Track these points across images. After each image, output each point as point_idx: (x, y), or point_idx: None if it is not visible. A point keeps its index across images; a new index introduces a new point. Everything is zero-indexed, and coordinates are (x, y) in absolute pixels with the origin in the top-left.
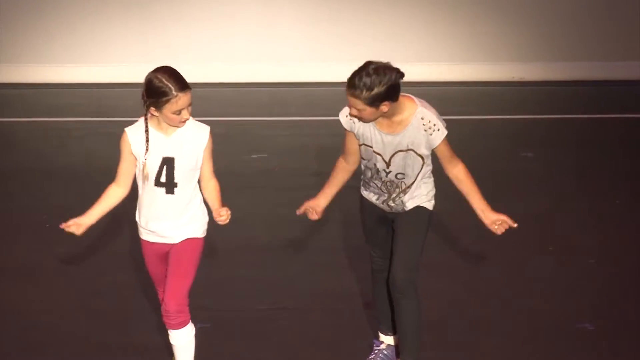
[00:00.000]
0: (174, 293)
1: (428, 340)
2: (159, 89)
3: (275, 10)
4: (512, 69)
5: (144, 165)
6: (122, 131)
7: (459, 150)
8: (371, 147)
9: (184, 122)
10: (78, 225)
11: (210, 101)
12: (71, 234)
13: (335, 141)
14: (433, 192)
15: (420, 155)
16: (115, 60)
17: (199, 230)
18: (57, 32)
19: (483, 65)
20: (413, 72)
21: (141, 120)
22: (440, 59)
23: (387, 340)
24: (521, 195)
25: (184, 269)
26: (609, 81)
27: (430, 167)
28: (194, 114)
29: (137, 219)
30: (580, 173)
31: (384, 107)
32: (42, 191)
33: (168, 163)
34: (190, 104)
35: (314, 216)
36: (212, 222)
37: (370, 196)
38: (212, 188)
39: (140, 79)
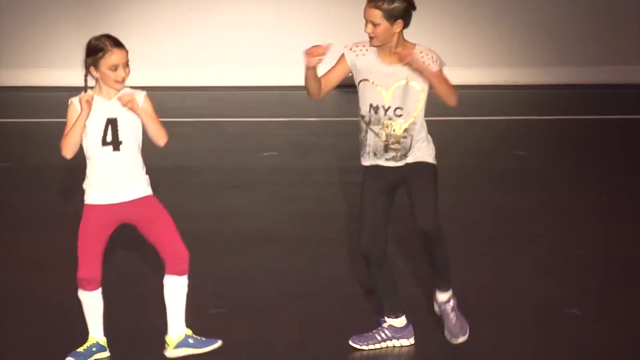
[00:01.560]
0: (179, 241)
1: (420, 324)
2: (96, 46)
3: (285, 20)
4: (505, 73)
5: (93, 122)
6: (69, 102)
7: (457, 147)
8: (370, 80)
9: (121, 81)
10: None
11: (225, 103)
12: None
13: (340, 140)
14: (434, 152)
15: (420, 91)
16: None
17: (148, 188)
18: (77, 39)
19: (478, 70)
20: None
21: (82, 93)
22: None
23: (393, 322)
24: (514, 190)
25: (168, 218)
26: (596, 85)
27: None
28: (209, 114)
29: (85, 186)
30: (568, 170)
31: (397, 26)
32: (68, 186)
33: (112, 123)
34: (127, 65)
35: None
36: (217, 222)
37: (375, 159)
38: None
39: (155, 83)
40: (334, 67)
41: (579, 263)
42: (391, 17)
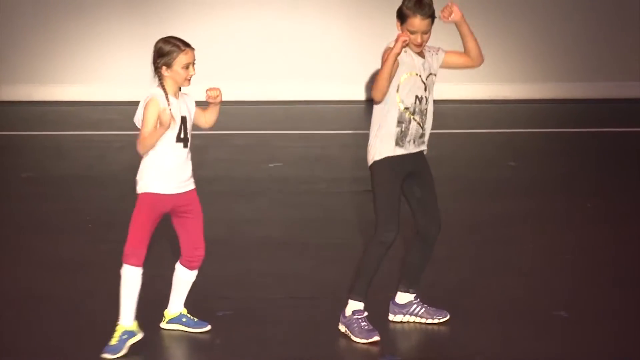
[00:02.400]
0: (201, 241)
1: (414, 322)
2: (169, 48)
3: (291, 39)
4: (498, 89)
5: (172, 114)
6: (149, 96)
7: (452, 158)
8: (414, 72)
9: (190, 80)
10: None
11: (233, 117)
12: None
13: (341, 151)
14: None
15: (435, 76)
16: (144, 82)
17: (193, 182)
18: (94, 57)
19: (473, 86)
20: None
21: (155, 88)
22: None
23: (362, 305)
24: (505, 198)
25: (200, 220)
26: (581, 100)
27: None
28: (220, 128)
29: (148, 176)
30: (557, 180)
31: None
32: (86, 195)
33: (184, 121)
34: (194, 63)
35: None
36: (226, 228)
37: (408, 147)
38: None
39: None
40: (387, 61)
41: (567, 267)
42: (433, 20)
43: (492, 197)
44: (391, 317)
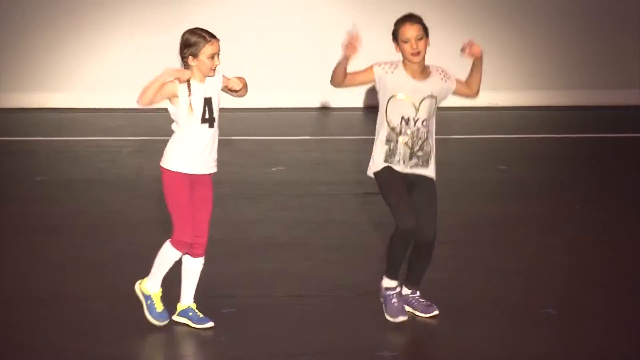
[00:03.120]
0: (207, 227)
1: (410, 320)
2: (195, 39)
3: (291, 50)
4: (489, 96)
5: (190, 104)
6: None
7: (447, 162)
8: (402, 95)
9: (215, 69)
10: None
11: (238, 123)
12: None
13: (341, 156)
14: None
15: (437, 103)
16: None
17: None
18: (107, 66)
19: None
20: None
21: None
22: None
23: (396, 283)
24: (496, 202)
25: (211, 206)
26: (570, 107)
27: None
28: (225, 133)
29: (174, 156)
30: (546, 183)
31: (428, 41)
32: (97, 198)
33: (208, 103)
34: (219, 53)
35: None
36: (231, 229)
37: (396, 165)
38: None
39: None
40: (361, 71)
41: (555, 266)
42: (426, 32)
43: (484, 199)
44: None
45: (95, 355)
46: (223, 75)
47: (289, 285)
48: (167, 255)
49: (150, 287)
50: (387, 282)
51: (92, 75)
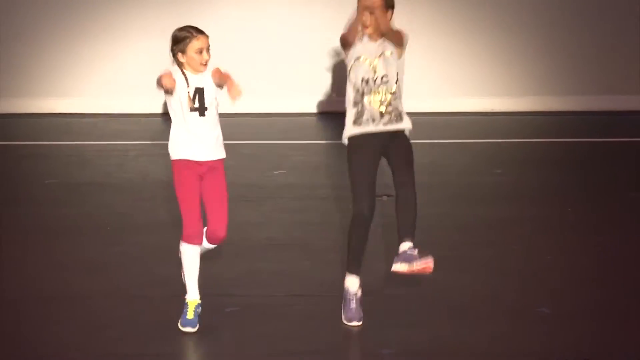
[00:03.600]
0: (224, 221)
1: (407, 318)
2: (182, 35)
3: (292, 57)
4: (485, 102)
5: (188, 94)
6: (167, 70)
7: (443, 165)
8: (362, 57)
9: (205, 64)
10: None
11: (241, 128)
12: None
13: (340, 160)
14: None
15: (395, 59)
16: (161, 95)
17: (224, 151)
18: (114, 72)
19: (462, 99)
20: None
21: (174, 67)
22: (426, 94)
23: (357, 282)
24: (492, 204)
25: (225, 194)
26: (563, 112)
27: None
28: (228, 138)
29: (172, 145)
30: (539, 186)
31: (389, 14)
32: (104, 200)
33: (199, 92)
34: (208, 48)
35: None
36: (233, 231)
37: (366, 125)
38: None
39: None
40: (354, 24)
41: (549, 267)
42: (388, 3)
43: (479, 202)
44: (393, 267)
45: (100, 353)
46: (213, 71)
47: (290, 285)
48: (184, 254)
49: (187, 294)
50: (347, 281)
51: (100, 82)
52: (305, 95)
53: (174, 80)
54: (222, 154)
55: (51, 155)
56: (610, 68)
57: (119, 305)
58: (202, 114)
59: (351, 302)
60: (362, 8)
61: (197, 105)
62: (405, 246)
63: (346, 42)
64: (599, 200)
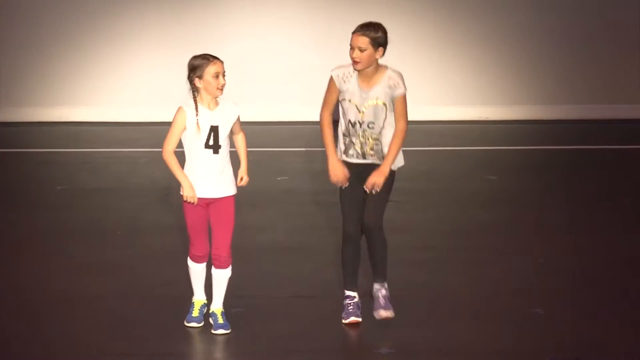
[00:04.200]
0: (225, 243)
1: (406, 319)
2: (199, 61)
3: (295, 67)
4: (479, 110)
5: (200, 129)
6: (178, 107)
7: (439, 172)
8: (351, 101)
9: (222, 88)
10: (191, 196)
11: (246, 136)
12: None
13: None
14: (402, 160)
15: (384, 104)
16: (168, 104)
17: (234, 187)
18: (123, 82)
19: (456, 108)
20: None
21: (190, 101)
22: (422, 103)
23: (354, 294)
24: (486, 209)
25: (230, 224)
26: (557, 120)
27: (392, 117)
28: (233, 145)
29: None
30: (532, 192)
31: (379, 53)
32: (115, 205)
33: (214, 130)
34: (224, 73)
35: (346, 183)
36: (238, 234)
37: (352, 158)
38: (241, 138)
39: None
40: (330, 90)
41: (541, 269)
42: (375, 43)
43: (474, 206)
44: (377, 315)
45: (112, 352)
46: (239, 116)
47: (293, 287)
48: (190, 268)
49: (194, 295)
50: (346, 291)
51: (110, 91)
52: (306, 105)
53: (196, 124)
54: (232, 191)
55: (63, 162)
56: (600, 77)
57: (129, 305)
58: (216, 151)
59: (349, 305)
60: (351, 46)
61: (211, 143)
62: (375, 288)
63: (327, 106)
64: (590, 204)
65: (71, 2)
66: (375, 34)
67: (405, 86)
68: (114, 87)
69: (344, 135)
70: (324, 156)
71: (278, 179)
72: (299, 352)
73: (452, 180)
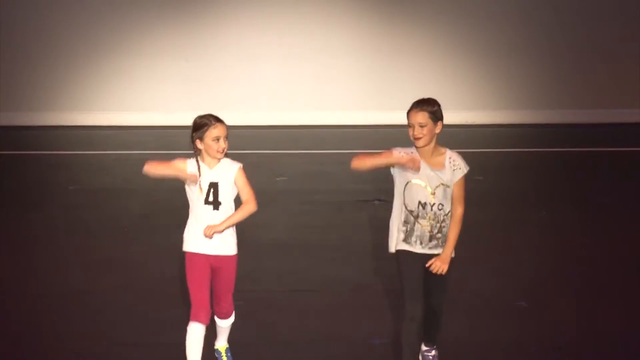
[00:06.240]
0: (228, 299)
1: (397, 312)
2: (201, 122)
3: (294, 75)
4: (465, 115)
5: (200, 186)
6: (184, 160)
7: None
8: (419, 181)
9: (222, 152)
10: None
11: (245, 138)
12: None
13: (337, 168)
14: None
15: (448, 186)
16: (173, 109)
17: (234, 247)
18: (132, 88)
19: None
20: (395, 118)
21: (190, 160)
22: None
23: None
24: (472, 207)
25: (231, 283)
26: (540, 124)
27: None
28: (234, 148)
29: (185, 235)
30: (516, 191)
31: (438, 127)
32: (124, 205)
33: (214, 187)
34: (226, 137)
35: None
36: (239, 232)
37: (415, 245)
38: (244, 206)
39: (190, 123)
40: (381, 155)
41: (525, 264)
42: (434, 117)
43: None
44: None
45: (121, 342)
46: (240, 169)
47: (291, 282)
48: (189, 333)
49: None
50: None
51: (119, 97)
52: (304, 109)
53: (197, 182)
54: (232, 251)
55: (74, 163)
56: (586, 83)
57: (137, 299)
58: (216, 207)
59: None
60: (411, 124)
61: (211, 199)
62: (424, 347)
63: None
64: (572, 204)
65: (89, 15)
66: (432, 108)
67: (466, 165)
68: (123, 93)
69: (404, 222)
70: (321, 158)
71: (277, 179)
72: (295, 342)
73: None
